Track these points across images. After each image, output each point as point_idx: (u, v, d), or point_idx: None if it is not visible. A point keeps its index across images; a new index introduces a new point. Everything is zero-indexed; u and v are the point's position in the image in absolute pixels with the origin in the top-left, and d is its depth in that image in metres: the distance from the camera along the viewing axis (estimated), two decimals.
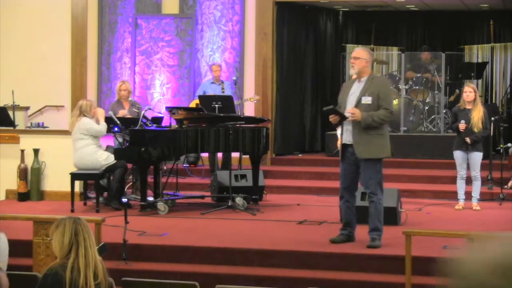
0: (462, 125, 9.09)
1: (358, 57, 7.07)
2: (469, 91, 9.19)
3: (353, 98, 7.05)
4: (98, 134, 9.14)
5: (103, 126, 9.16)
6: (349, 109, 6.96)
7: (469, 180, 9.37)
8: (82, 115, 9.14)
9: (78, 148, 9.14)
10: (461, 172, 9.27)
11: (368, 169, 6.99)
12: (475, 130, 9.12)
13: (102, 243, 4.76)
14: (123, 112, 9.99)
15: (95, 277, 4.05)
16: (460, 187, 9.32)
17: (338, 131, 9.10)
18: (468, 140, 9.08)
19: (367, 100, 6.96)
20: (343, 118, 7.02)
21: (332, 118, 7.05)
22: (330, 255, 6.80)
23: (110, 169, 9.20)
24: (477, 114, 9.12)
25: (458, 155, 9.27)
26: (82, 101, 9.41)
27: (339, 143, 9.02)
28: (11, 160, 9.95)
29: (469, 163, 9.24)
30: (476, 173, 9.23)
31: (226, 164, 10.48)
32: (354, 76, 7.14)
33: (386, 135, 7.12)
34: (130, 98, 10.55)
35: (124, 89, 10.25)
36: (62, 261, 4.04)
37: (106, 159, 9.11)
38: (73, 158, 9.18)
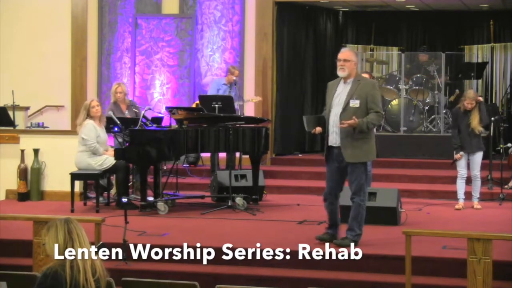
0: (458, 156, 9.23)
1: (348, 59, 7.00)
2: (471, 103, 9.19)
3: (339, 100, 6.99)
4: (88, 148, 9.10)
5: (93, 145, 9.06)
6: (348, 122, 6.85)
7: (469, 180, 9.38)
8: (88, 117, 9.14)
9: (78, 151, 9.16)
10: (461, 172, 9.29)
11: (353, 172, 6.98)
12: (476, 132, 9.15)
13: (101, 242, 4.76)
14: (110, 153, 9.72)
15: (93, 273, 4.07)
16: (460, 187, 9.33)
17: None
18: (456, 157, 9.26)
19: (355, 103, 6.91)
20: (324, 125, 7.05)
21: (317, 130, 7.09)
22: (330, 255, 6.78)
23: (110, 171, 9.19)
24: (476, 118, 9.13)
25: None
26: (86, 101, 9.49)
27: None
28: (11, 160, 9.96)
29: (470, 163, 9.26)
30: (477, 172, 9.27)
31: (231, 164, 10.46)
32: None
33: (372, 138, 7.10)
34: (130, 99, 10.53)
35: (120, 91, 10.21)
36: (60, 261, 4.05)
37: (101, 164, 9.09)
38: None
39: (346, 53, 7.12)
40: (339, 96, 7.02)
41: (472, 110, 9.18)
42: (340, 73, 7.05)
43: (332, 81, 7.26)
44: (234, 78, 11.47)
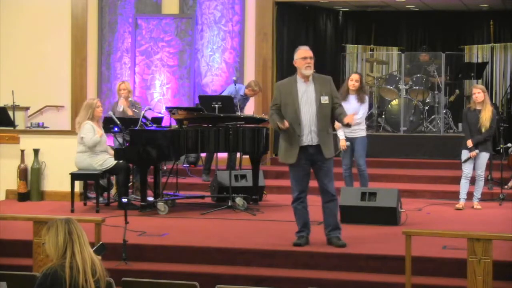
0: (473, 154, 9.18)
1: (313, 57, 7.03)
2: (478, 92, 9.19)
3: (308, 98, 6.93)
4: (87, 145, 9.08)
5: (93, 138, 8.99)
6: (348, 118, 6.90)
7: (472, 180, 9.37)
8: (88, 118, 9.09)
9: (77, 151, 9.14)
10: (466, 171, 9.28)
11: (329, 170, 7.02)
12: (483, 130, 9.16)
13: (101, 242, 4.76)
14: (129, 112, 10.02)
15: (93, 273, 4.07)
16: (464, 187, 9.32)
17: (339, 132, 9.12)
18: (470, 154, 9.19)
19: (325, 99, 6.94)
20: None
21: (285, 124, 6.89)
22: (330, 255, 6.80)
23: (111, 171, 9.18)
24: (485, 115, 9.14)
25: (466, 154, 9.28)
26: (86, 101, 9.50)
27: (342, 143, 9.06)
28: (11, 160, 9.95)
29: (475, 162, 9.26)
30: (481, 172, 9.27)
31: (231, 164, 10.44)
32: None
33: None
34: (130, 98, 10.55)
35: (123, 88, 10.27)
36: (60, 262, 4.05)
37: (102, 164, 9.07)
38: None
39: (310, 51, 7.10)
40: (305, 95, 6.97)
41: (482, 108, 9.16)
42: (308, 71, 6.99)
43: (283, 82, 7.21)
44: (233, 78, 11.43)
